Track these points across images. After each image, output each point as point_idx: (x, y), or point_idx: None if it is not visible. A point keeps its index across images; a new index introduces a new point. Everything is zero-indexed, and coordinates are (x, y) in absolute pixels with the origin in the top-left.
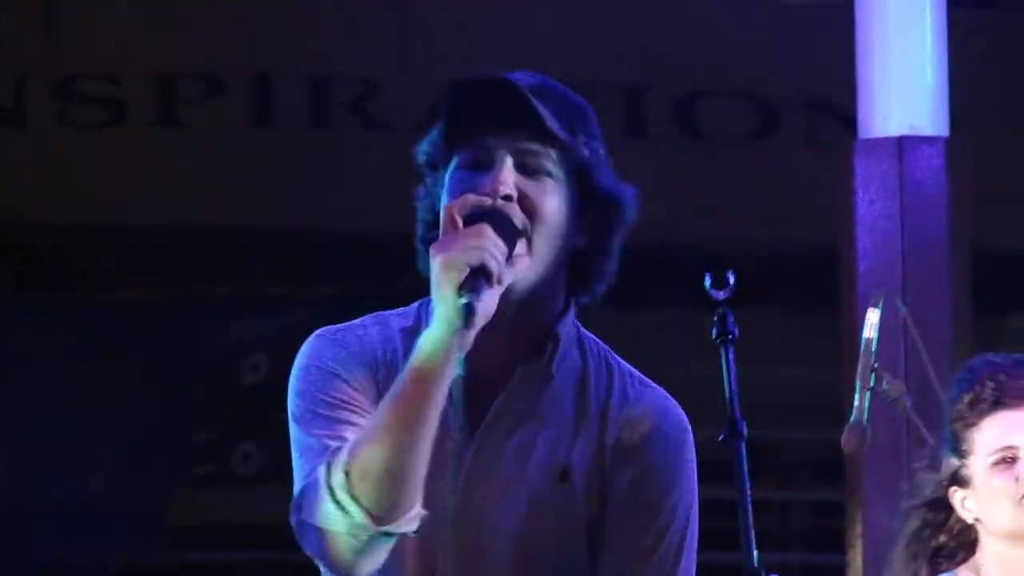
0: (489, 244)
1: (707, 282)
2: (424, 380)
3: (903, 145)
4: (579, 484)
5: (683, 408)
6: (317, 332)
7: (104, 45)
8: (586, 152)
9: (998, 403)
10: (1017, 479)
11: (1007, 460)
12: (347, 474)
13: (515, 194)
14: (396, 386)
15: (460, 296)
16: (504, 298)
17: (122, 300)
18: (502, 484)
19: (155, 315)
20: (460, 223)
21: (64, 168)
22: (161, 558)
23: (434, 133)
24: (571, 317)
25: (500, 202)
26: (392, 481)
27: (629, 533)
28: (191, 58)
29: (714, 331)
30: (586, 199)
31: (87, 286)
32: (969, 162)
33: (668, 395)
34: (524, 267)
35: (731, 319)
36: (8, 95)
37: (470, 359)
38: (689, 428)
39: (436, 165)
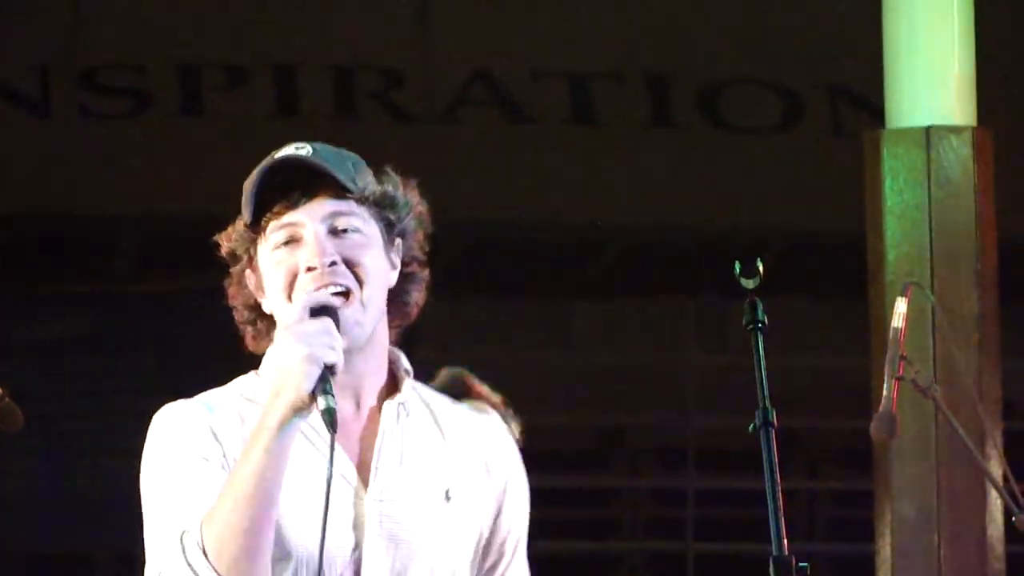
0: (336, 342)
1: (737, 270)
2: (272, 456)
3: (931, 134)
4: (461, 502)
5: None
6: (165, 407)
7: (129, 35)
8: (376, 193)
9: None
10: None
11: None
12: (204, 551)
13: (337, 258)
14: (244, 462)
15: (317, 397)
16: (365, 351)
17: (143, 291)
18: (406, 510)
19: (177, 304)
20: (308, 315)
21: (88, 158)
22: None
23: (233, 227)
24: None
25: (327, 269)
26: (248, 550)
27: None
28: (215, 48)
29: (744, 319)
30: (392, 233)
31: (111, 276)
32: (995, 151)
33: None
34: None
35: (760, 308)
36: (34, 86)
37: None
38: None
39: (238, 255)
